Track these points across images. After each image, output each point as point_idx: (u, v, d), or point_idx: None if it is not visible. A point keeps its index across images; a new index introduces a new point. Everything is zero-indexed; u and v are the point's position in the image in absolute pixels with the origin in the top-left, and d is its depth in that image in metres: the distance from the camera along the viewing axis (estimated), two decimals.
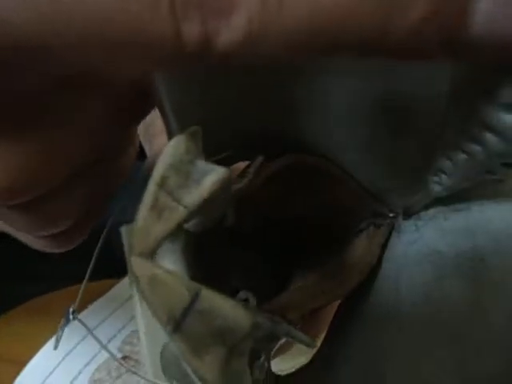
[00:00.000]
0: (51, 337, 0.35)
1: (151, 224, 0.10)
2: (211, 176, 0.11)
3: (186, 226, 0.14)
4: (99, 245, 0.23)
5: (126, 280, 0.39)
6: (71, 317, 0.19)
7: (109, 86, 0.13)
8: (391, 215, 0.17)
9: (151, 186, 0.10)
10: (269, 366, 0.14)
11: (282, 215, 0.17)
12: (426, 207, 0.16)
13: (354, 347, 0.16)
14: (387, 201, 0.17)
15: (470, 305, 0.13)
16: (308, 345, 0.14)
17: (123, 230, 0.32)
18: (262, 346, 0.14)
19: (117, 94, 0.13)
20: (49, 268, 0.39)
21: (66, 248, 0.17)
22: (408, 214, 0.16)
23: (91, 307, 0.37)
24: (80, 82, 0.12)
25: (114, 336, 0.37)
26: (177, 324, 0.09)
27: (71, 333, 0.36)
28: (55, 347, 0.21)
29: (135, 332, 0.37)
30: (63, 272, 0.38)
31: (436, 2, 0.07)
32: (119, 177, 0.18)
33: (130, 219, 0.37)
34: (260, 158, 0.15)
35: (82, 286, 0.22)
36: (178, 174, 0.11)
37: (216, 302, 0.10)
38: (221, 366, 0.10)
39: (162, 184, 0.10)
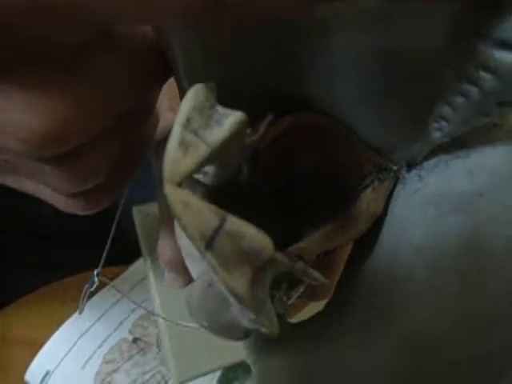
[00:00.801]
0: (65, 320, 0.36)
1: (179, 158, 0.11)
2: (231, 117, 0.12)
3: (203, 179, 0.15)
4: (113, 229, 0.24)
5: (137, 264, 0.40)
6: (96, 279, 0.20)
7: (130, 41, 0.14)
8: (395, 168, 0.18)
9: (177, 127, 0.11)
10: (287, 305, 0.15)
11: (290, 173, 0.18)
12: (428, 157, 0.17)
13: (362, 291, 0.17)
14: (390, 154, 0.18)
15: (470, 238, 0.14)
16: (324, 284, 0.15)
17: (134, 210, 0.33)
18: (282, 283, 0.15)
19: (140, 53, 0.14)
20: (62, 254, 0.40)
21: (92, 210, 0.18)
22: (411, 166, 0.17)
23: (103, 291, 0.38)
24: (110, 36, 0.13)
25: (125, 319, 0.38)
26: (208, 242, 0.10)
27: (84, 316, 0.37)
28: (80, 312, 0.21)
29: (146, 315, 0.38)
30: (76, 258, 0.38)
31: None
32: (144, 143, 0.19)
33: (138, 202, 0.38)
34: (269, 116, 0.16)
35: (102, 261, 0.23)
36: (201, 115, 0.12)
37: (241, 226, 0.11)
38: (248, 283, 0.11)
39: (187, 124, 0.11)
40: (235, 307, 0.12)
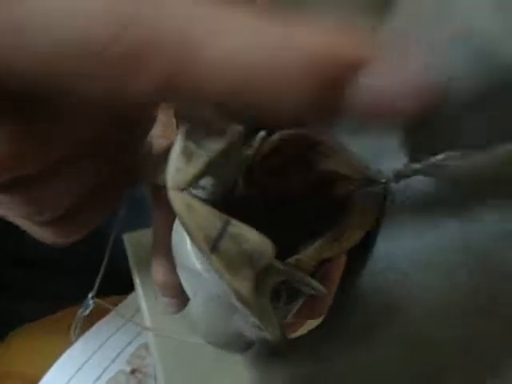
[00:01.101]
0: (62, 354, 0.36)
1: (182, 165, 0.12)
2: (229, 129, 0.13)
3: (201, 193, 0.16)
4: (105, 261, 0.24)
5: (132, 295, 0.39)
6: (90, 302, 0.20)
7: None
8: (383, 180, 0.18)
9: (180, 137, 0.12)
10: (287, 316, 0.16)
11: (282, 189, 0.19)
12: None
13: (359, 300, 0.17)
14: (378, 166, 0.18)
15: (459, 239, 0.15)
16: (321, 293, 0.15)
17: (125, 237, 0.33)
18: (281, 294, 0.15)
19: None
20: (55, 286, 0.40)
21: (63, 239, 0.18)
22: (399, 177, 0.18)
23: (100, 322, 0.37)
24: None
25: (123, 350, 0.37)
26: (213, 244, 0.11)
27: (80, 349, 0.37)
28: (74, 339, 0.21)
29: (143, 345, 0.38)
30: (70, 290, 0.38)
31: None
32: (129, 176, 0.18)
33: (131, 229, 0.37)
34: (262, 133, 0.17)
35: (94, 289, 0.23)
36: (201, 127, 0.12)
37: (244, 229, 0.11)
38: (252, 285, 0.11)
39: (189, 135, 0.12)
40: (239, 314, 0.12)
